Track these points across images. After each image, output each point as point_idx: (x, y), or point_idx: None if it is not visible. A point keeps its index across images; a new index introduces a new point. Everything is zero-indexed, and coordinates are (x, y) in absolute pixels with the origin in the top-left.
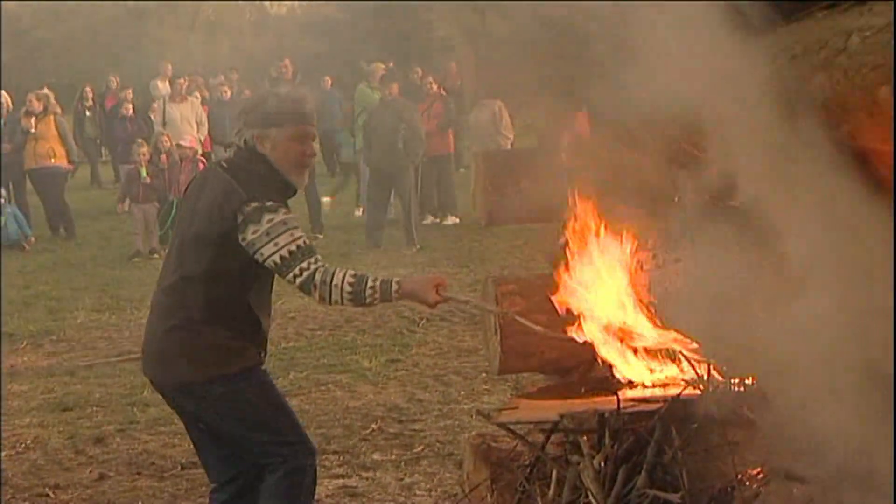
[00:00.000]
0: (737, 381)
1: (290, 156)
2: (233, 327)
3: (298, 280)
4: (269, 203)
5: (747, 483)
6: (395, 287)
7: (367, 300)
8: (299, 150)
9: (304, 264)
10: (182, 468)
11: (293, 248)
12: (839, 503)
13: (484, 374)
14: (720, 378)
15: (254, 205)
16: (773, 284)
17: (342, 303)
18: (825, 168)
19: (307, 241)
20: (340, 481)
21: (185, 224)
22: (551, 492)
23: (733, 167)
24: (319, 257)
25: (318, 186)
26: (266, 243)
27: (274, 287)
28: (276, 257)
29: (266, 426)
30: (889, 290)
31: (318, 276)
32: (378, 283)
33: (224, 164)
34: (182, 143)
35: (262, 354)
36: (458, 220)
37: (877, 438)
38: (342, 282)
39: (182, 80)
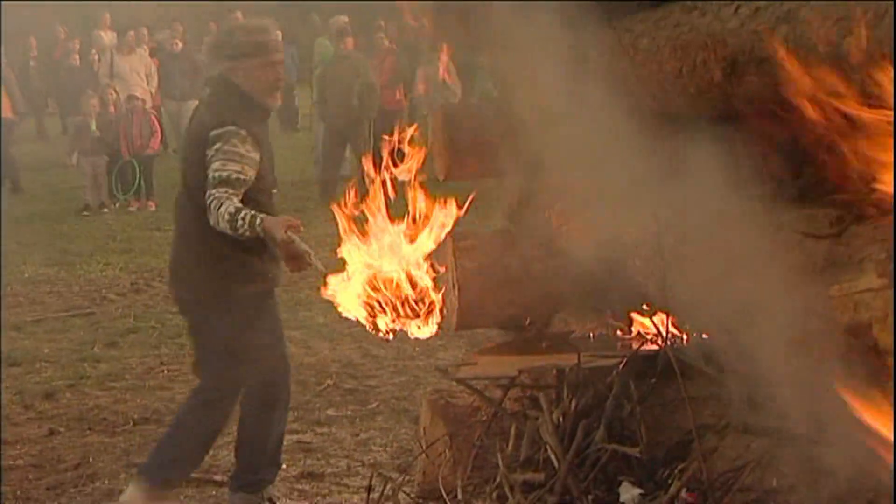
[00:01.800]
0: (693, 335)
1: (263, 82)
2: (223, 244)
3: (208, 201)
4: (230, 129)
5: (704, 436)
6: (258, 221)
7: (240, 229)
8: (271, 76)
9: (216, 191)
10: (134, 424)
11: (220, 174)
12: (794, 455)
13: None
14: (678, 333)
15: (218, 130)
16: (730, 239)
17: (223, 227)
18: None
19: (235, 176)
20: (295, 437)
21: (181, 147)
22: (510, 446)
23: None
24: (231, 191)
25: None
26: (212, 162)
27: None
28: (210, 177)
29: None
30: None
31: (213, 203)
32: (248, 217)
33: (205, 97)
34: (134, 93)
35: (264, 280)
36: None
37: (828, 389)
38: (225, 211)
39: (131, 34)
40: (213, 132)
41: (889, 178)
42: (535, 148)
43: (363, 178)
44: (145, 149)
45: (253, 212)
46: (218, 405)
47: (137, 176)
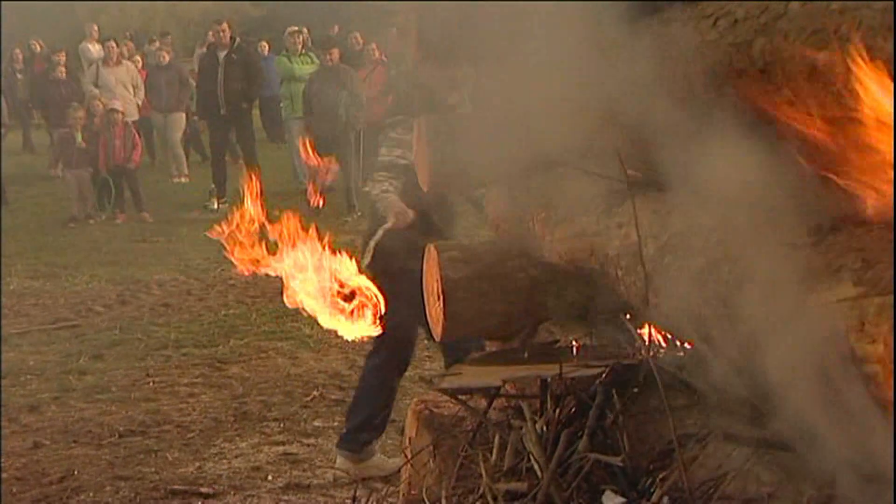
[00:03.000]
0: (677, 344)
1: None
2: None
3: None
4: (400, 118)
5: (686, 445)
6: (386, 203)
7: (380, 210)
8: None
9: (376, 174)
10: (119, 436)
11: (383, 159)
12: (775, 464)
13: (425, 341)
14: (661, 342)
15: (391, 119)
16: (712, 247)
17: (376, 206)
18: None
19: (395, 160)
20: (282, 448)
21: None
22: (493, 456)
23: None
24: (387, 174)
25: (258, 153)
26: (380, 147)
27: (211, 254)
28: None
29: None
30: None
31: (370, 185)
32: (384, 198)
33: None
34: (114, 107)
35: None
36: None
37: (813, 400)
38: (377, 191)
39: (111, 44)
40: (388, 121)
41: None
42: (521, 158)
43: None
44: (127, 162)
45: (391, 195)
46: (394, 363)
47: (113, 191)
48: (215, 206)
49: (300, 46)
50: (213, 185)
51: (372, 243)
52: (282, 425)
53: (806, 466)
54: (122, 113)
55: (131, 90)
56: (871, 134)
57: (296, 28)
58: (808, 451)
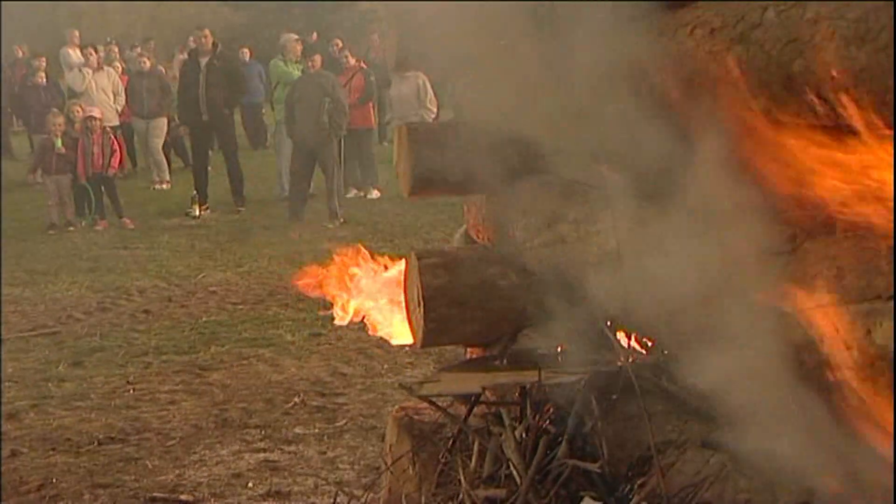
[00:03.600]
0: (655, 352)
1: None
2: None
3: None
4: None
5: (664, 451)
6: None
7: None
8: None
9: None
10: (98, 444)
11: None
12: (752, 470)
13: (407, 348)
14: (640, 349)
15: None
16: (689, 256)
17: None
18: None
19: None
20: (262, 455)
21: None
22: (473, 463)
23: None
24: None
25: (240, 160)
26: None
27: (193, 261)
28: None
29: None
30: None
31: None
32: None
33: None
34: (92, 114)
35: None
36: (380, 194)
37: (787, 410)
38: None
39: (90, 49)
40: None
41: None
42: (501, 166)
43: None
44: (106, 169)
45: None
46: None
47: (93, 198)
48: (197, 213)
49: (299, 53)
50: (194, 192)
51: None
52: (263, 432)
53: (782, 473)
54: (101, 119)
55: (111, 96)
56: (845, 144)
57: (296, 36)
58: (785, 458)
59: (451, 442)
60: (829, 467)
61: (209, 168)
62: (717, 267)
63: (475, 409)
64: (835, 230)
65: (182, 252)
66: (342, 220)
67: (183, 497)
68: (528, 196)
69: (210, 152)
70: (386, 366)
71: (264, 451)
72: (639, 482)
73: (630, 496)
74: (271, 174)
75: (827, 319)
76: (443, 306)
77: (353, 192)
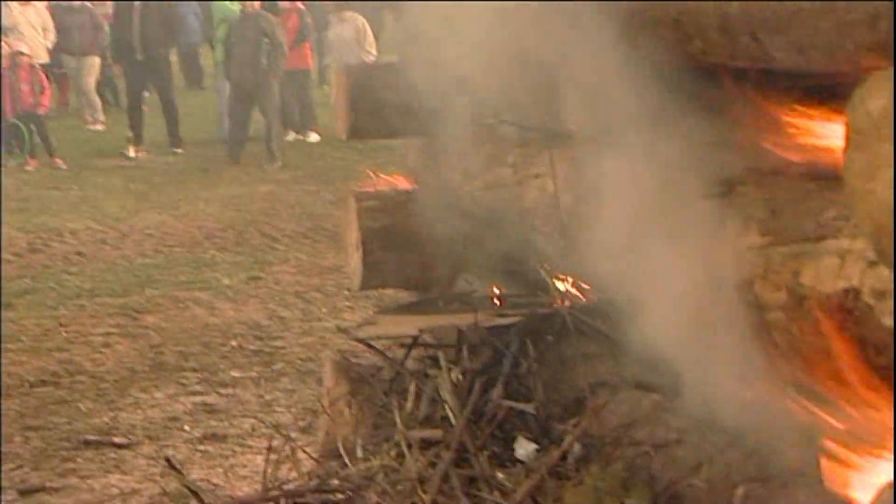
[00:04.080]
0: (592, 294)
1: None
2: None
3: None
4: None
5: (598, 392)
6: None
7: None
8: None
9: None
10: (30, 386)
11: None
12: (684, 410)
13: (346, 292)
14: (577, 292)
15: None
16: (625, 200)
17: None
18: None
19: None
20: (199, 398)
21: None
22: (409, 405)
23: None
24: None
25: (177, 101)
26: None
27: (128, 203)
28: None
29: None
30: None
31: None
32: None
33: None
34: (20, 49)
35: None
36: (319, 137)
37: (717, 350)
38: None
39: None
40: None
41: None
42: (441, 108)
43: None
44: (36, 107)
45: None
46: None
47: (25, 136)
48: (132, 154)
49: None
50: (129, 133)
51: None
52: (199, 375)
53: (714, 414)
54: (30, 56)
55: (40, 32)
56: (779, 86)
57: None
58: (716, 399)
59: (388, 385)
60: (760, 407)
61: (144, 108)
62: (653, 210)
63: (413, 353)
64: (768, 174)
65: (116, 194)
66: (280, 163)
67: (117, 440)
68: (466, 140)
69: (147, 93)
70: (324, 310)
71: (201, 394)
72: (572, 423)
73: (563, 436)
74: (209, 116)
75: (759, 261)
76: (381, 249)
77: (291, 136)
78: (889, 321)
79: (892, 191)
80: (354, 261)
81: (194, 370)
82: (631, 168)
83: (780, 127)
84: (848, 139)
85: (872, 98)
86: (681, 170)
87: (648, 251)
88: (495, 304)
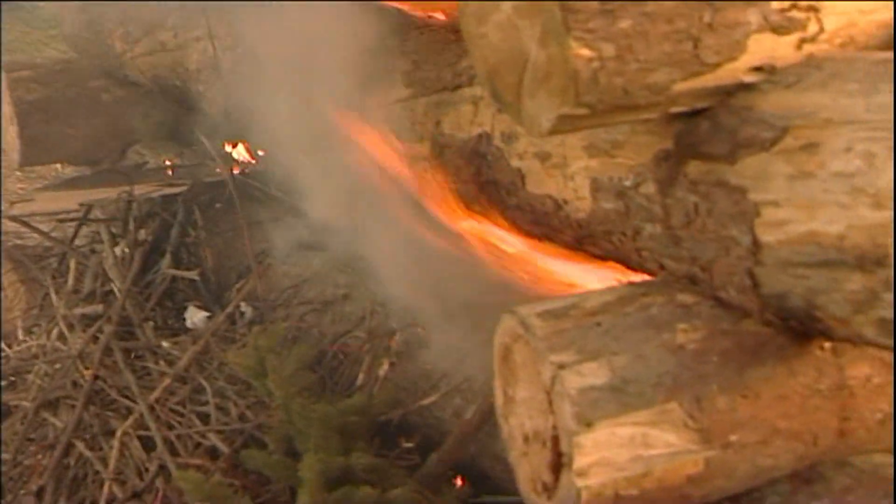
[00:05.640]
0: (263, 159)
1: None
2: None
3: None
4: None
5: (268, 256)
6: None
7: None
8: None
9: None
10: None
11: None
12: (350, 267)
13: (18, 172)
14: (248, 157)
15: None
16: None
17: None
18: None
19: None
20: None
21: None
22: (71, 282)
23: None
24: None
25: None
26: None
27: None
28: None
29: None
30: None
31: None
32: None
33: None
34: None
35: None
36: None
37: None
38: None
39: None
40: None
41: None
42: None
43: None
44: None
45: None
46: None
47: None
48: None
49: None
50: None
51: None
52: None
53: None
54: None
55: None
56: None
57: None
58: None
59: (58, 263)
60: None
61: None
62: (306, 71)
63: (85, 229)
64: (413, 29)
65: None
66: None
67: None
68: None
69: None
70: None
71: None
72: (237, 286)
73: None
74: None
75: (405, 112)
76: (39, 122)
77: None
78: (517, 162)
79: (503, 34)
80: (10, 135)
81: None
82: (286, 24)
83: None
84: None
85: None
86: (332, 31)
87: (305, 111)
88: (166, 174)
